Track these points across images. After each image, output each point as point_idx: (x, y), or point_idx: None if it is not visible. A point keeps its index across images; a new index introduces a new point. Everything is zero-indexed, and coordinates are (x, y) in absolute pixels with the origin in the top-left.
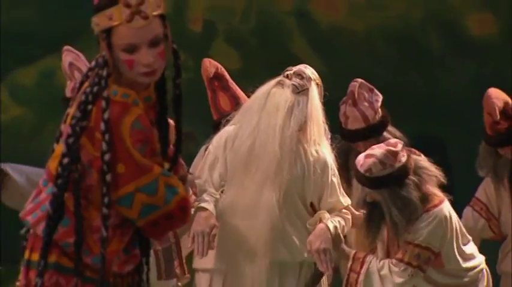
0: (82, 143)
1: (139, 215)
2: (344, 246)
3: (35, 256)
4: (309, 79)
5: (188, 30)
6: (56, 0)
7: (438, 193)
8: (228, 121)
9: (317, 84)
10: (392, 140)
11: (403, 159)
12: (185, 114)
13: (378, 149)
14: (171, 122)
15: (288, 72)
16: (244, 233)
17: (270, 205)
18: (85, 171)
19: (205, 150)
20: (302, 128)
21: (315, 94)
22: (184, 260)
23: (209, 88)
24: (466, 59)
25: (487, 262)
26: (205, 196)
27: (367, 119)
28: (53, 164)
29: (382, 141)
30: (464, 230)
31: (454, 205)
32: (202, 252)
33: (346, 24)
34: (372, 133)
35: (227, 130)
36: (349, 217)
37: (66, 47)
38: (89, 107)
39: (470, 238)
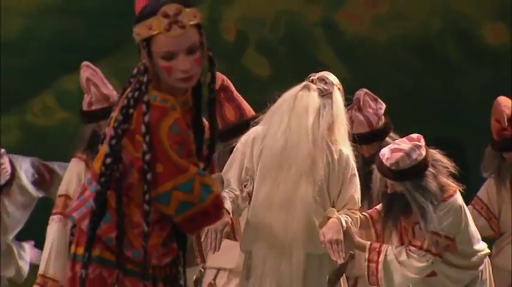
0: (124, 144)
1: (176, 212)
2: (358, 238)
3: (80, 250)
4: (332, 84)
5: (222, 40)
6: (99, 11)
7: (451, 184)
8: (256, 122)
9: (339, 89)
10: (414, 135)
11: (424, 153)
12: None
13: (404, 144)
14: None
15: (312, 78)
16: (281, 226)
17: (306, 200)
18: (126, 170)
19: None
20: (329, 128)
21: (338, 97)
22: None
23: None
24: (481, 66)
25: None
26: (223, 193)
27: (371, 124)
28: (97, 164)
29: (384, 146)
30: (470, 215)
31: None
32: (215, 248)
33: (370, 34)
34: (375, 138)
35: (255, 130)
36: (358, 216)
37: (84, 63)
38: (131, 110)
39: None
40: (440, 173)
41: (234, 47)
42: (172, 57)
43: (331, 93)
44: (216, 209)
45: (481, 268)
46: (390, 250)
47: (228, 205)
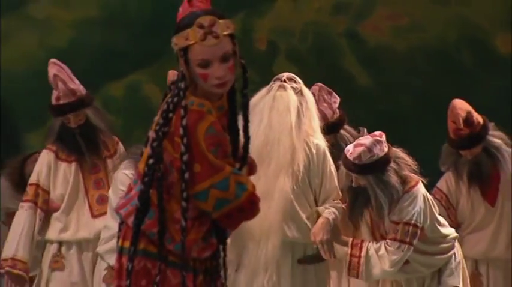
0: (164, 146)
1: (214, 208)
2: (342, 236)
3: (127, 244)
4: (299, 82)
5: (254, 49)
6: (140, 24)
7: (414, 176)
8: None
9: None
10: (377, 132)
11: (386, 149)
12: None
13: (365, 139)
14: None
15: (283, 78)
16: (259, 217)
17: (284, 191)
18: (167, 170)
19: None
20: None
21: (308, 94)
22: None
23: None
24: (493, 73)
25: None
26: None
27: (326, 117)
28: (141, 165)
29: (339, 139)
30: (435, 203)
31: None
32: None
33: (390, 44)
34: (330, 130)
35: None
36: (341, 205)
37: (51, 60)
38: (170, 115)
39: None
40: (402, 169)
41: (265, 56)
42: (207, 65)
43: (301, 90)
44: (251, 205)
45: (453, 251)
46: (371, 245)
47: None
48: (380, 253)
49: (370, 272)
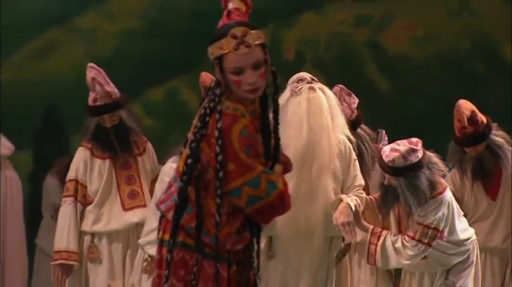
0: (202, 147)
1: (246, 204)
2: (364, 222)
3: (166, 236)
4: (317, 81)
5: (283, 58)
6: (178, 34)
7: (443, 182)
8: None
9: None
10: (414, 139)
11: (420, 155)
12: None
13: (402, 146)
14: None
15: (307, 79)
16: (304, 215)
17: (326, 191)
18: (204, 169)
19: None
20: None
21: (328, 91)
22: None
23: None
24: (503, 80)
25: None
26: None
27: (345, 116)
28: (180, 164)
29: (356, 137)
30: (459, 208)
31: None
32: None
33: (408, 53)
34: (349, 128)
35: None
36: (364, 195)
37: (90, 64)
38: (207, 118)
39: (462, 213)
40: (434, 174)
41: (293, 65)
42: (240, 72)
43: (323, 88)
44: (280, 202)
45: (465, 255)
46: (388, 236)
47: None
48: (397, 245)
49: (386, 261)
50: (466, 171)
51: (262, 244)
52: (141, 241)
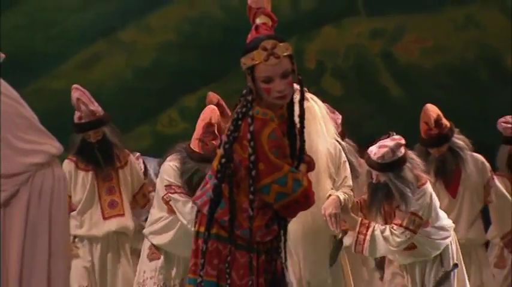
0: (234, 148)
1: (275, 200)
2: (352, 214)
3: (202, 229)
4: (306, 91)
5: (305, 68)
6: (210, 46)
7: (423, 175)
8: None
9: None
10: (397, 136)
11: (403, 150)
12: None
13: (389, 142)
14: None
15: (297, 89)
16: (310, 217)
17: (326, 193)
18: (237, 168)
19: None
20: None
21: (318, 100)
22: None
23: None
24: (507, 88)
25: None
26: None
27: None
28: (215, 163)
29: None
30: (437, 200)
31: None
32: None
33: (419, 62)
34: None
35: None
36: (352, 194)
37: (74, 86)
38: (239, 122)
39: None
40: (415, 168)
41: (314, 73)
42: (270, 81)
43: (311, 97)
44: (305, 198)
45: (449, 239)
46: (377, 226)
47: None
48: (385, 234)
49: (374, 249)
50: (429, 170)
51: None
52: (146, 230)
